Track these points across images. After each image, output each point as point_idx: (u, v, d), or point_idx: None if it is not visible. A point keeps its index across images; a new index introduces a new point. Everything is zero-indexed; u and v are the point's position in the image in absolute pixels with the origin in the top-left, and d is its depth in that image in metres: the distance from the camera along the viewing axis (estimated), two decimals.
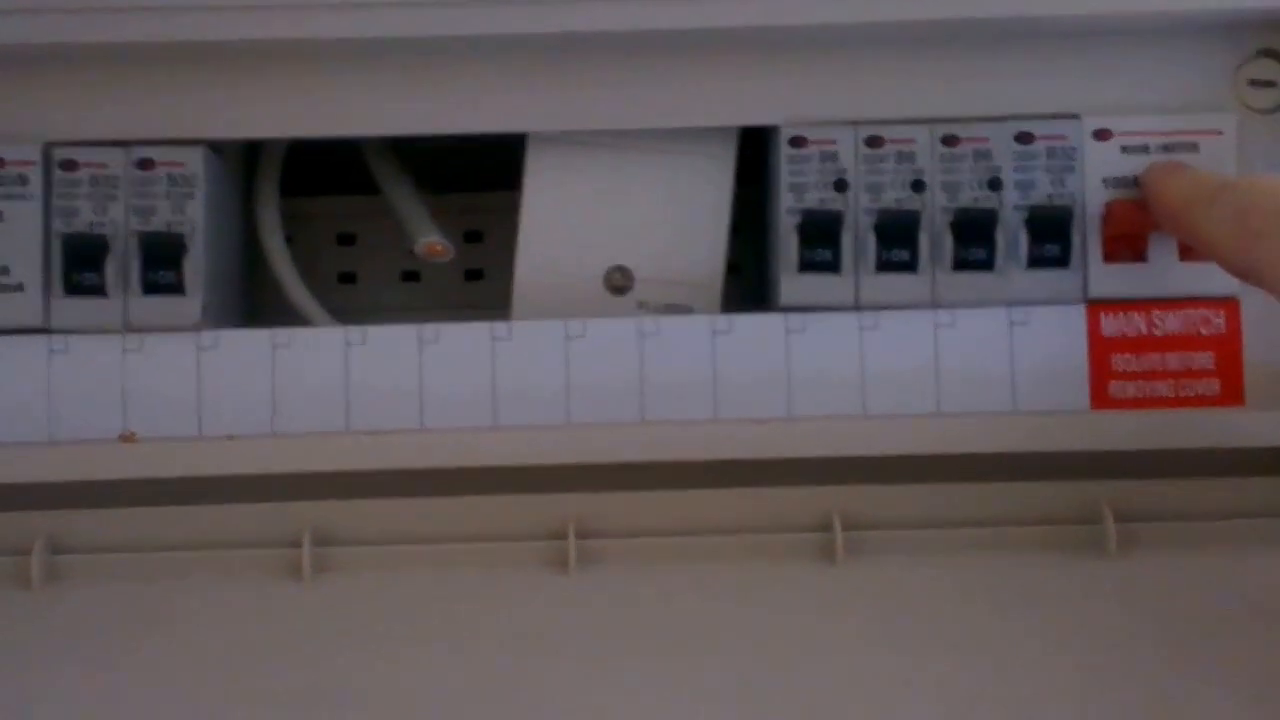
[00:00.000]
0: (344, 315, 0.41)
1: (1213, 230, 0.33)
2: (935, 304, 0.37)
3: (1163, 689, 0.33)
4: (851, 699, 0.33)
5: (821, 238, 0.37)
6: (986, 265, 0.37)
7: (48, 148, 0.37)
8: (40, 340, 0.37)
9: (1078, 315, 0.37)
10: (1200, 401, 0.37)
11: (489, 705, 0.33)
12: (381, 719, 0.33)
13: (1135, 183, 0.37)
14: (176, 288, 0.37)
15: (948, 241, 0.37)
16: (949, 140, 0.37)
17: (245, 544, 0.38)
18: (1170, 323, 0.37)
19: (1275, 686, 0.33)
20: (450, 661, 0.35)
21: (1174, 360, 0.37)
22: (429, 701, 0.34)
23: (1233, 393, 0.37)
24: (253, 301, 0.42)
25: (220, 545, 0.38)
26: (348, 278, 0.44)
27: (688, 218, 0.39)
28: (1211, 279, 0.37)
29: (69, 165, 0.37)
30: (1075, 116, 0.37)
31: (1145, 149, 0.37)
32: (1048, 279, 0.37)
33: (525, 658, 0.35)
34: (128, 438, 0.37)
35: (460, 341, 0.37)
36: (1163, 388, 0.37)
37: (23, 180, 0.37)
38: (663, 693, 0.34)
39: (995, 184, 0.37)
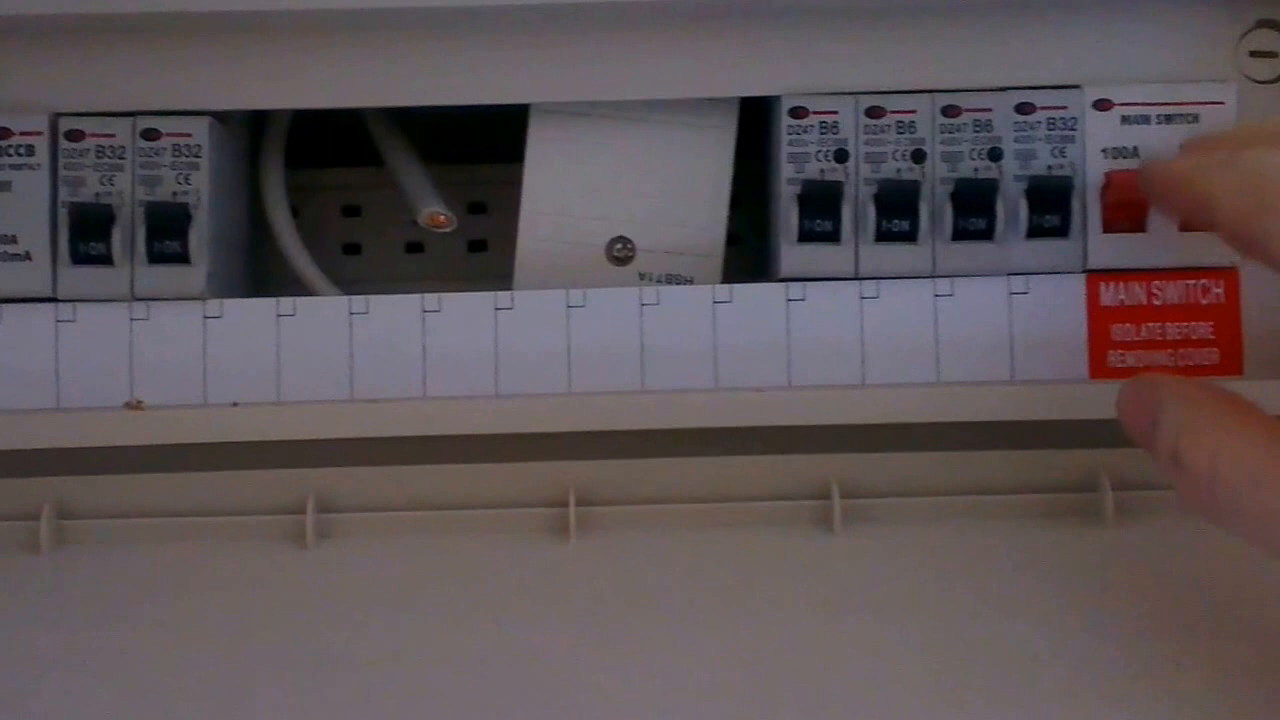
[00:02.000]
0: (349, 286, 0.41)
1: (1221, 199, 0.32)
2: (935, 274, 0.37)
3: (1159, 655, 0.33)
4: (849, 665, 0.33)
5: (822, 208, 0.37)
6: (986, 235, 0.37)
7: (54, 118, 0.37)
8: (47, 309, 0.37)
9: (1077, 285, 0.38)
10: (1199, 371, 0.37)
11: (490, 670, 0.34)
12: (384, 683, 0.33)
13: (1136, 153, 0.37)
14: (182, 257, 0.37)
15: (948, 212, 0.37)
16: (950, 111, 0.37)
17: (250, 510, 0.38)
18: (1169, 292, 0.38)
19: (1269, 653, 0.33)
20: (451, 627, 0.35)
21: (1173, 330, 0.38)
22: (431, 666, 0.34)
23: (1232, 362, 0.37)
24: (258, 272, 0.43)
25: (225, 511, 0.38)
26: (352, 249, 0.45)
27: (689, 189, 0.39)
28: (1211, 249, 0.37)
29: (75, 135, 0.37)
30: (1076, 87, 0.37)
31: (1146, 119, 0.37)
32: (1047, 249, 0.37)
33: (526, 623, 0.35)
34: (134, 405, 0.37)
35: (463, 311, 0.38)
36: (1162, 357, 0.38)
37: (30, 150, 0.37)
38: (662, 658, 0.34)
39: (996, 154, 0.37)
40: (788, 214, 0.37)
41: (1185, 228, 0.37)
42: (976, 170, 0.37)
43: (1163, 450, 0.30)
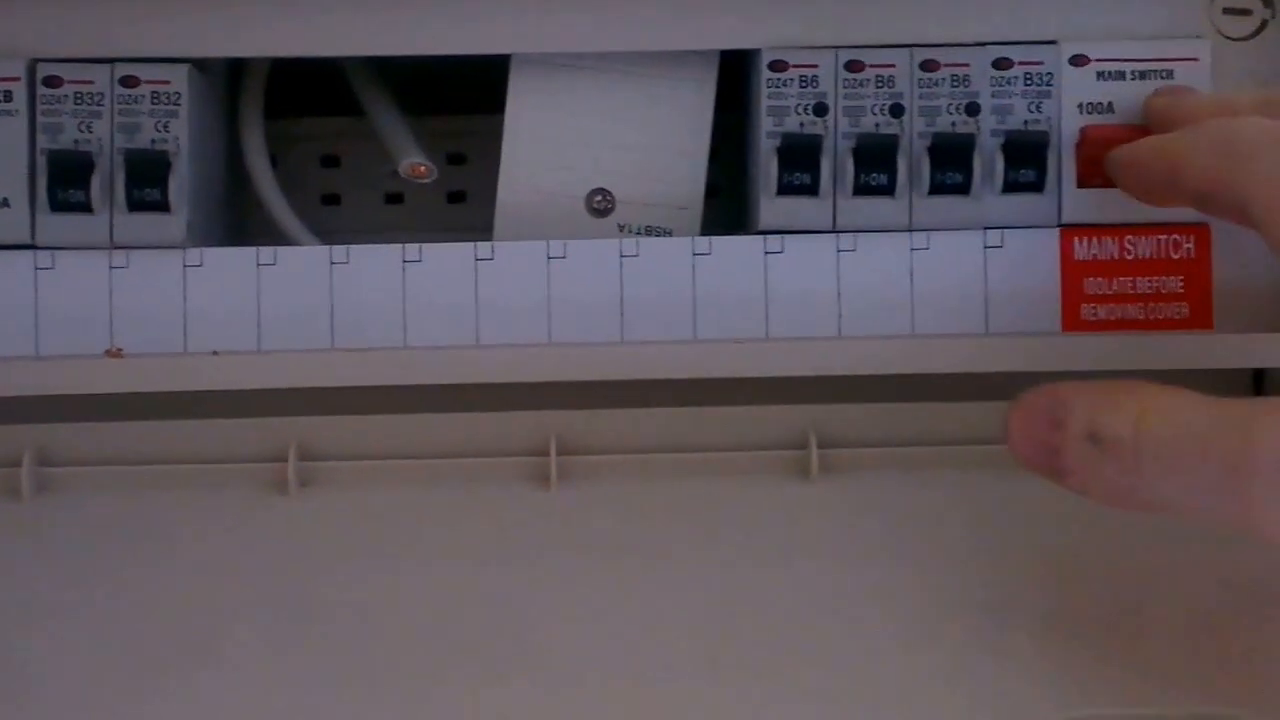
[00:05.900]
0: (328, 236, 0.41)
1: (1193, 157, 0.32)
2: (911, 227, 0.38)
3: (1133, 598, 0.34)
4: (825, 611, 0.34)
5: (801, 161, 0.37)
6: (963, 190, 0.37)
7: (32, 64, 0.37)
8: (26, 256, 0.37)
9: (1051, 239, 0.38)
10: (1169, 324, 0.38)
11: (470, 617, 0.34)
12: (365, 631, 0.34)
13: (1111, 109, 0.38)
14: (162, 205, 0.37)
15: (925, 166, 0.37)
16: (928, 65, 0.38)
17: (232, 458, 0.38)
18: (1141, 247, 0.38)
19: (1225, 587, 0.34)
20: (433, 574, 0.35)
21: (1144, 284, 0.38)
22: (412, 613, 0.34)
23: (1201, 316, 0.38)
24: (237, 221, 0.43)
25: (206, 459, 0.38)
26: (331, 199, 0.44)
27: (669, 141, 0.39)
28: None
29: (53, 81, 0.37)
30: (1052, 42, 0.38)
31: (1121, 75, 0.38)
32: (1022, 203, 0.38)
33: (507, 571, 0.36)
34: (114, 353, 0.37)
35: (444, 261, 0.38)
36: (1133, 311, 0.38)
37: (7, 97, 0.37)
38: (642, 604, 0.35)
39: (973, 109, 0.38)
40: (767, 167, 0.37)
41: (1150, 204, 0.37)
42: (954, 125, 0.38)
43: (1075, 438, 0.29)
